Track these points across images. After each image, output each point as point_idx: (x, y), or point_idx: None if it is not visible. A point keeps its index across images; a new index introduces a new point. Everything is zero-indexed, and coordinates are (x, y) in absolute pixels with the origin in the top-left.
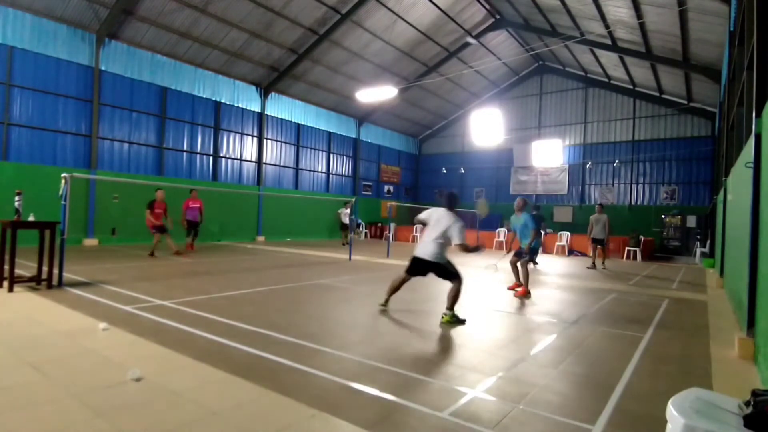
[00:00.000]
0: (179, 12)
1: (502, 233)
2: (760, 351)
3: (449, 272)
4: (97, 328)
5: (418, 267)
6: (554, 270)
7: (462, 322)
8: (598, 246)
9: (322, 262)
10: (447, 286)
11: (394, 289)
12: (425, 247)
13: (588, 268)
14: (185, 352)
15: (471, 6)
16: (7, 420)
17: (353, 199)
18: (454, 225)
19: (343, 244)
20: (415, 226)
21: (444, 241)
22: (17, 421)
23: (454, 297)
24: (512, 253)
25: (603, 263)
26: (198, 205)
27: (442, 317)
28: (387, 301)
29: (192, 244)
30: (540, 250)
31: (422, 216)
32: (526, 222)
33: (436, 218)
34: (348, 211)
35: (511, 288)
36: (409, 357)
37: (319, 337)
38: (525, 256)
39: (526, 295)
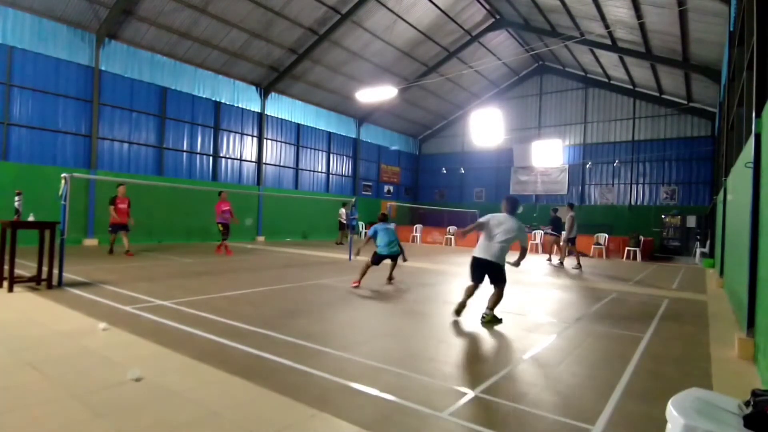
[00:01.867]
0: (179, 12)
1: None
2: (760, 351)
3: (503, 276)
4: (97, 328)
5: (480, 269)
6: (554, 270)
7: (500, 321)
8: (569, 244)
9: (322, 262)
10: (452, 287)
11: (469, 296)
12: (490, 249)
13: (574, 268)
14: (185, 352)
15: (471, 6)
16: (7, 420)
17: (353, 200)
18: (521, 229)
19: (337, 243)
20: (413, 228)
21: (507, 245)
22: (17, 421)
23: (497, 300)
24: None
25: (560, 260)
26: (228, 207)
27: (484, 317)
28: (463, 307)
29: (226, 245)
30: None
31: (483, 220)
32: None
33: (500, 222)
34: (345, 211)
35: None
36: (409, 357)
37: (319, 337)
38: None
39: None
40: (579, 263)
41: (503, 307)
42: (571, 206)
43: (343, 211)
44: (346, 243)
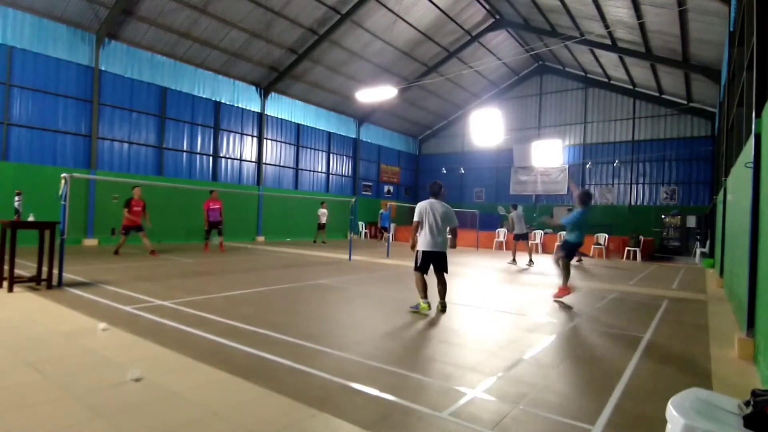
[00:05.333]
0: (179, 12)
1: (502, 233)
2: (760, 351)
3: (446, 262)
4: (97, 328)
5: (430, 262)
6: (554, 270)
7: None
8: (522, 241)
9: (322, 262)
10: (451, 287)
11: (425, 288)
12: (436, 240)
13: (509, 263)
14: (185, 352)
15: (471, 6)
16: (7, 420)
17: (353, 200)
18: (451, 211)
19: (314, 242)
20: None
21: (446, 231)
22: (17, 421)
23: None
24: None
25: (530, 260)
26: (218, 206)
27: (442, 307)
28: (428, 302)
29: (221, 244)
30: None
31: (419, 213)
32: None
33: (437, 210)
34: (325, 211)
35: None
36: (409, 357)
37: (319, 337)
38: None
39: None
40: (514, 259)
41: (504, 306)
42: (515, 206)
43: (324, 211)
44: (324, 242)
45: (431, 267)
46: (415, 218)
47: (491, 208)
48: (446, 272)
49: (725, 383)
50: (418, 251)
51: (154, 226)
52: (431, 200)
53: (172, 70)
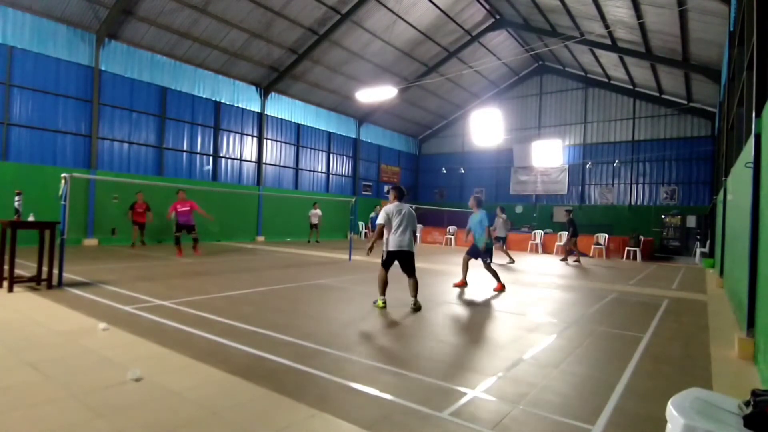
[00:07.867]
0: (179, 12)
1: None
2: (760, 351)
3: (413, 262)
4: (97, 328)
5: (395, 260)
6: (554, 270)
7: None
8: (498, 243)
9: (322, 262)
10: (451, 287)
11: (385, 285)
12: (404, 239)
13: (508, 263)
14: (185, 352)
15: (471, 6)
16: (7, 420)
17: (353, 200)
18: (413, 214)
19: (309, 241)
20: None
21: (410, 231)
22: (17, 421)
23: (417, 286)
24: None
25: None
26: (188, 207)
27: (417, 305)
28: (384, 300)
29: (195, 246)
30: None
31: (387, 215)
32: (481, 219)
33: (404, 212)
34: (317, 211)
35: (457, 285)
36: (409, 357)
37: (319, 337)
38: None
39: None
40: (511, 258)
41: (504, 307)
42: (502, 209)
43: (316, 212)
44: (317, 241)
45: (397, 266)
46: (381, 220)
47: (491, 208)
48: (413, 274)
49: (725, 383)
50: (384, 251)
51: (154, 225)
52: (398, 203)
53: (172, 70)
